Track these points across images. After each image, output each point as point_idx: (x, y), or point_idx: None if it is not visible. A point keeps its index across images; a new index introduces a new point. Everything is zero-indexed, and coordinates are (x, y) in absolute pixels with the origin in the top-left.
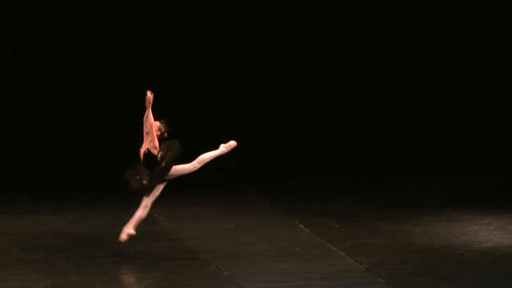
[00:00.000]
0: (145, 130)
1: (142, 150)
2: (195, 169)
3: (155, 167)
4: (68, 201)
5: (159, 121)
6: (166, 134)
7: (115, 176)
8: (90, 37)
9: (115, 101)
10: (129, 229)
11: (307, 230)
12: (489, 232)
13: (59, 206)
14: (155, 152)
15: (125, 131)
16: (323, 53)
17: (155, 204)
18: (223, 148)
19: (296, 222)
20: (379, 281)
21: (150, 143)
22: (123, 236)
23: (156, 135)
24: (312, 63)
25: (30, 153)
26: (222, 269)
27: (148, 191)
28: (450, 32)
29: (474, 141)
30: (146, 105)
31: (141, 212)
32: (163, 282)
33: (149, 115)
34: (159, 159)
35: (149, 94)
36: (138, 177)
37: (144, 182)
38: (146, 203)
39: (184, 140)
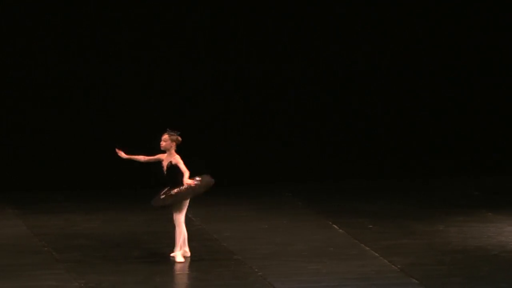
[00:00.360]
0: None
1: (165, 163)
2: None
3: (178, 184)
4: (103, 201)
5: (165, 133)
6: (180, 138)
7: (150, 176)
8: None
9: (139, 100)
10: (179, 252)
11: (341, 230)
12: None
13: (93, 206)
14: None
15: (156, 131)
16: (346, 53)
17: (189, 204)
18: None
19: (330, 223)
20: (413, 281)
21: (170, 156)
22: (178, 259)
23: (173, 147)
24: (343, 62)
25: (65, 153)
26: (256, 269)
27: (174, 206)
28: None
29: (509, 141)
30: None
31: (178, 232)
32: (197, 282)
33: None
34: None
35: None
36: (161, 195)
37: (162, 197)
38: (178, 220)
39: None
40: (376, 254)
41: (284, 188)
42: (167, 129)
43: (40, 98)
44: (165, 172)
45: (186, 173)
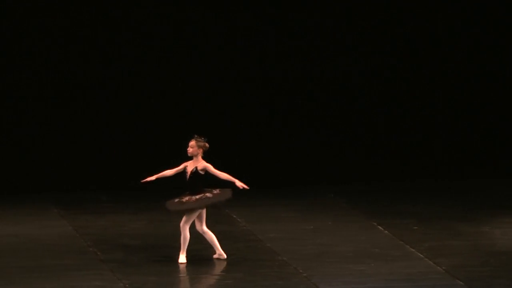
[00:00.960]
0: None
1: (189, 169)
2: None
3: (197, 191)
4: (147, 201)
5: (192, 139)
6: (207, 145)
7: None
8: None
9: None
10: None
11: (386, 231)
12: None
13: (138, 206)
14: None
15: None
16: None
17: (234, 204)
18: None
19: (375, 224)
20: (458, 283)
21: (197, 162)
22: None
23: (200, 153)
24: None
25: (110, 153)
26: (301, 270)
27: (186, 213)
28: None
29: None
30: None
31: (184, 236)
32: (242, 283)
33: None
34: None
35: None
36: (176, 200)
37: (176, 200)
38: (185, 226)
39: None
40: (421, 256)
41: (328, 189)
42: (194, 135)
43: (83, 99)
44: (188, 178)
45: (223, 174)
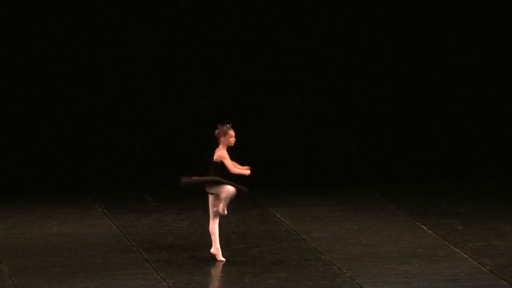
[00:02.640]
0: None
1: (216, 155)
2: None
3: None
4: (192, 201)
5: (219, 128)
6: (225, 131)
7: (239, 177)
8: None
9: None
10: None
11: (430, 231)
12: None
13: (182, 205)
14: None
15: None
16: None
17: (278, 204)
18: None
19: (419, 224)
20: (503, 284)
21: (218, 151)
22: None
23: (220, 141)
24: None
25: (154, 153)
26: (345, 270)
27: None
28: None
29: None
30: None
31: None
32: (286, 283)
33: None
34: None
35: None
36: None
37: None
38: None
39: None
40: (466, 256)
41: (373, 189)
42: (226, 125)
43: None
44: (212, 162)
45: (232, 168)
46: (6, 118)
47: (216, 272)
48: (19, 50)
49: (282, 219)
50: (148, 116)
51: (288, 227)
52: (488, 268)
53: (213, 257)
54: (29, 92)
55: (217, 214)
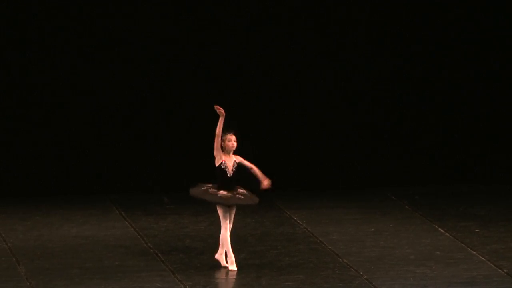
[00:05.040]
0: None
1: (230, 163)
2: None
3: (235, 187)
4: (208, 203)
5: (233, 134)
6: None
7: (256, 179)
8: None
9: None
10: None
11: (448, 234)
12: None
13: (199, 208)
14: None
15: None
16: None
17: (295, 206)
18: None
19: (436, 226)
20: None
21: (233, 157)
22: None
23: (232, 149)
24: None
25: (172, 156)
26: (362, 273)
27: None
28: None
29: None
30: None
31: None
32: (303, 285)
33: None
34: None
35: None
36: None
37: (211, 191)
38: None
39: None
40: (483, 259)
41: (390, 191)
42: (229, 129)
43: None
44: (232, 174)
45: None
46: (24, 120)
47: (233, 275)
48: (41, 52)
49: (299, 221)
50: (166, 117)
51: (305, 230)
52: (505, 271)
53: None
54: (48, 93)
55: (226, 222)
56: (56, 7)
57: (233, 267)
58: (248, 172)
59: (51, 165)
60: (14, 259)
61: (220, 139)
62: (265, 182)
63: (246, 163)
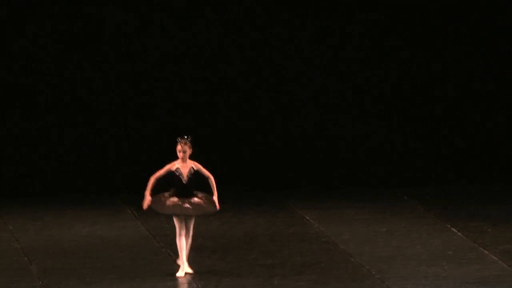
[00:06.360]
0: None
1: (185, 170)
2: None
3: (193, 194)
4: (222, 202)
5: (184, 141)
6: (190, 150)
7: (269, 178)
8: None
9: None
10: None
11: (460, 234)
12: None
13: None
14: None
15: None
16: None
17: (307, 206)
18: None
19: (449, 226)
20: None
21: (190, 163)
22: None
23: (182, 157)
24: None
25: None
26: (374, 272)
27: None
28: None
29: None
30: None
31: (190, 241)
32: (316, 285)
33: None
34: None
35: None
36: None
37: (169, 202)
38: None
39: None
40: (495, 258)
41: (402, 191)
42: (183, 137)
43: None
44: (187, 180)
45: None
46: (35, 120)
47: (245, 274)
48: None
49: (311, 221)
50: (176, 118)
51: (317, 229)
52: None
53: (243, 259)
54: (58, 93)
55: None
56: (55, 7)
57: (181, 273)
58: (205, 180)
59: (62, 165)
60: (26, 258)
61: (159, 175)
62: (216, 202)
63: (204, 171)
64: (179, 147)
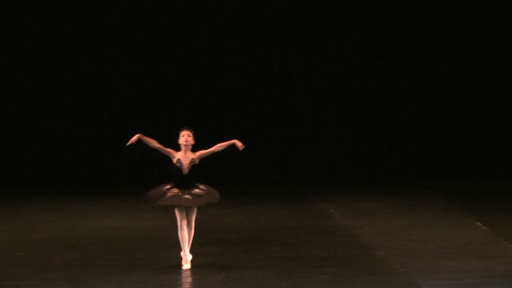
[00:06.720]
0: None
1: (185, 161)
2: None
3: (193, 186)
4: (243, 195)
5: (188, 130)
6: (193, 141)
7: (288, 171)
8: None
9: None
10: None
11: (483, 227)
12: None
13: (233, 200)
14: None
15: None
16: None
17: (330, 199)
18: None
19: (471, 220)
20: None
21: (191, 154)
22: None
23: (185, 146)
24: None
25: (204, 148)
26: (397, 266)
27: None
28: None
29: None
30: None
31: (193, 233)
32: (337, 278)
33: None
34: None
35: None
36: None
37: (169, 193)
38: (194, 221)
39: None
40: None
41: (424, 185)
42: (184, 126)
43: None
44: (187, 172)
45: (217, 146)
46: (59, 113)
47: (266, 267)
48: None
49: (332, 214)
50: (201, 110)
51: (339, 222)
52: None
53: (264, 252)
54: (85, 86)
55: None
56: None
57: (186, 266)
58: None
59: (84, 157)
60: (47, 250)
61: (160, 146)
62: (238, 144)
63: (209, 150)
64: (182, 137)
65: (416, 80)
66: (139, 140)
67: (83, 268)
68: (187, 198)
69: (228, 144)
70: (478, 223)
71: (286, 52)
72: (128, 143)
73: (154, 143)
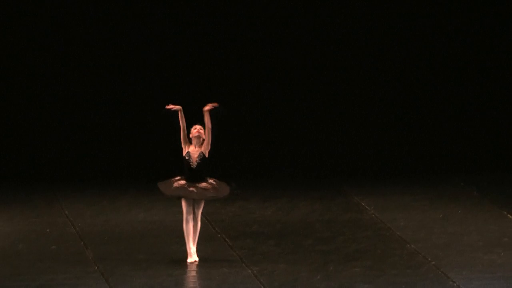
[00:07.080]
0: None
1: (195, 155)
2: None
3: (202, 180)
4: (277, 189)
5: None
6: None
7: (326, 164)
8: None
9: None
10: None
11: None
12: None
13: (267, 193)
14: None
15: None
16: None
17: (363, 192)
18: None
19: (505, 213)
20: None
21: (200, 148)
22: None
23: (196, 139)
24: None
25: (238, 141)
26: (430, 259)
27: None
28: None
29: None
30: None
31: (199, 227)
32: (371, 271)
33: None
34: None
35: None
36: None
37: (176, 185)
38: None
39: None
40: None
41: (458, 178)
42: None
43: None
44: (196, 165)
45: (207, 123)
46: (95, 107)
47: (300, 260)
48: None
49: (367, 207)
50: (237, 103)
51: (373, 216)
52: None
53: (299, 245)
54: (119, 82)
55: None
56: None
57: (191, 259)
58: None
59: (120, 150)
60: (82, 243)
61: (184, 131)
62: (210, 107)
63: (206, 135)
64: (194, 130)
65: (451, 74)
66: (175, 112)
67: (119, 261)
68: (192, 191)
69: (207, 117)
70: None
71: (328, 45)
72: (169, 106)
73: (182, 124)
